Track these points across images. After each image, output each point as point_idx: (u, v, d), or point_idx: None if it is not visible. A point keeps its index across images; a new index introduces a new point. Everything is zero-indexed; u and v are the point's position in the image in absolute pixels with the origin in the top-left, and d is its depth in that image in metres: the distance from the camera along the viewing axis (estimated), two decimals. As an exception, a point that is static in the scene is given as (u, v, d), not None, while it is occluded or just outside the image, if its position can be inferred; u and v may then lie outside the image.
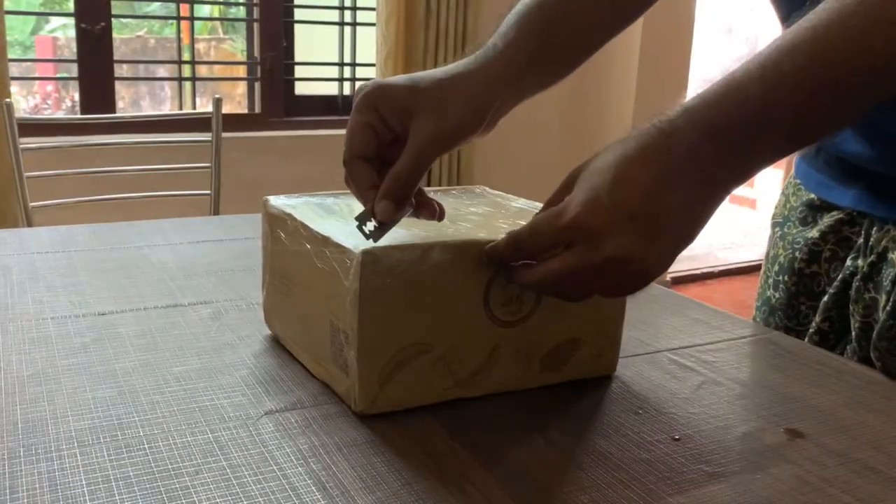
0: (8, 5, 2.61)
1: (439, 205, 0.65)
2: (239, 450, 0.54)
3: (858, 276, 0.79)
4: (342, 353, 0.60)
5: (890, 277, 0.75)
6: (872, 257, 0.77)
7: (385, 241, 0.59)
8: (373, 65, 3.07)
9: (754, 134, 0.52)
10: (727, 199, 0.57)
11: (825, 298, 0.83)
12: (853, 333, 0.80)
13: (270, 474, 0.51)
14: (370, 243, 0.58)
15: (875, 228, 0.77)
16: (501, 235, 0.61)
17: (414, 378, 0.60)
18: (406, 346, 0.59)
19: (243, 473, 0.51)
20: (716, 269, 4.13)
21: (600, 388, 0.67)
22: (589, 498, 0.50)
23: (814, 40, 0.51)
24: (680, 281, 3.92)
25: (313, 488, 0.50)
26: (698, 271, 4.08)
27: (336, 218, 0.66)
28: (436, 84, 0.62)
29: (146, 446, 0.54)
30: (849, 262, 0.80)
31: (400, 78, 0.63)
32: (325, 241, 0.61)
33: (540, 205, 0.64)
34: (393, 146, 0.62)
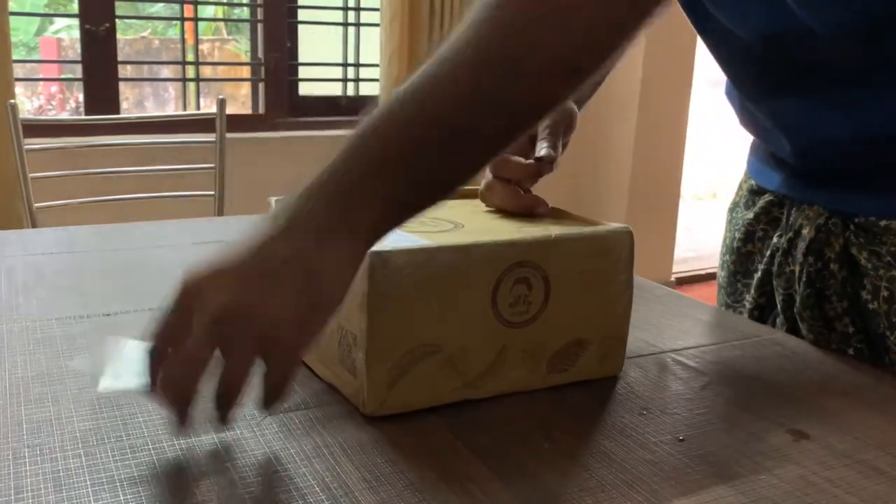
0: (12, 6, 2.61)
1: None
2: (243, 450, 0.54)
3: (779, 252, 0.84)
4: (350, 355, 0.60)
5: (801, 250, 0.80)
6: (790, 234, 0.82)
7: (392, 243, 0.59)
8: (377, 65, 3.08)
9: (364, 178, 0.53)
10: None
11: (758, 274, 0.88)
12: (779, 306, 0.85)
13: (275, 475, 0.52)
14: (378, 245, 0.58)
15: (794, 209, 0.83)
16: (506, 237, 0.61)
17: (422, 379, 0.60)
18: (414, 348, 0.59)
19: (247, 474, 0.51)
20: (720, 270, 4.12)
21: (604, 388, 0.67)
22: (593, 499, 0.50)
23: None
24: (684, 282, 3.92)
25: (317, 489, 0.50)
26: (703, 272, 4.08)
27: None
28: None
29: (150, 447, 0.54)
30: (774, 240, 0.86)
31: None
32: None
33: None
34: None
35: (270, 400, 0.53)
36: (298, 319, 0.51)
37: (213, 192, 2.32)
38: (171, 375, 0.51)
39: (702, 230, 5.02)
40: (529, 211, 0.73)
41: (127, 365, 0.57)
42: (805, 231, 0.80)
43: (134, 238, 1.06)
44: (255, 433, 0.57)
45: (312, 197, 0.53)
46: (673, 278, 3.79)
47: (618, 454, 0.56)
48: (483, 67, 0.54)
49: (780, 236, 0.85)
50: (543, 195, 0.74)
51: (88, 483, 0.49)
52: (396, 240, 0.61)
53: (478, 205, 0.77)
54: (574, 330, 0.65)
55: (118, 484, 0.50)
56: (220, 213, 2.33)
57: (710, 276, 4.07)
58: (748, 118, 0.85)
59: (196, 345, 0.50)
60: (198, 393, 0.51)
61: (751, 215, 0.89)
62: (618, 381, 0.68)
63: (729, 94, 0.87)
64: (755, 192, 0.90)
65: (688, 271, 4.00)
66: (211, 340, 0.50)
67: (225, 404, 0.52)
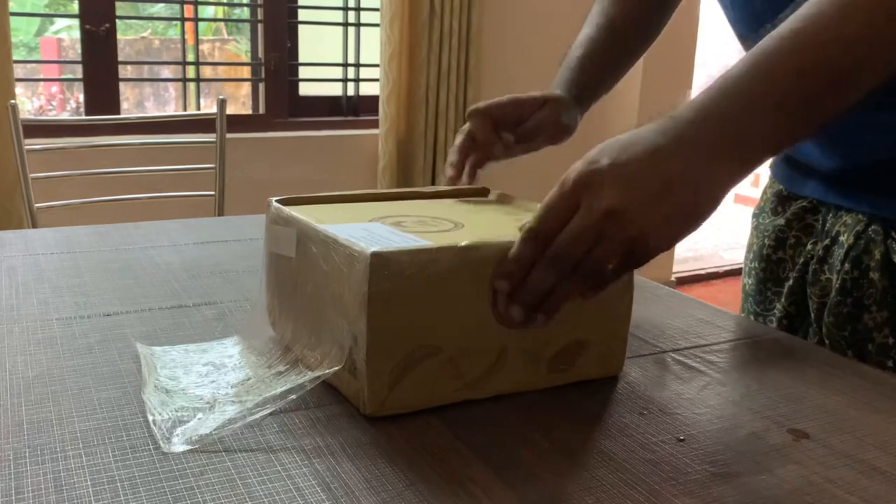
0: (13, 7, 2.61)
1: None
2: (243, 450, 0.54)
3: (814, 260, 0.83)
4: (351, 356, 0.60)
5: (839, 258, 0.79)
6: (826, 241, 0.81)
7: (393, 244, 0.59)
8: (377, 65, 3.08)
9: (754, 111, 0.56)
10: (731, 196, 0.58)
11: (789, 283, 0.87)
12: (812, 315, 0.84)
13: (275, 475, 0.52)
14: (379, 245, 0.58)
15: (830, 215, 0.82)
16: (507, 237, 0.61)
17: (423, 380, 0.60)
18: (415, 349, 0.59)
19: (248, 474, 0.51)
20: (721, 270, 4.12)
21: (605, 388, 0.67)
22: (594, 499, 0.50)
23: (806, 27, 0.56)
24: (685, 281, 3.92)
25: (318, 489, 0.50)
26: (703, 272, 4.08)
27: (342, 219, 0.66)
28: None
29: (151, 447, 0.54)
30: (808, 247, 0.85)
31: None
32: (333, 242, 0.61)
33: None
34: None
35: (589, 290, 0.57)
36: (673, 232, 0.55)
37: (213, 192, 2.32)
38: (555, 251, 0.56)
39: (702, 230, 5.02)
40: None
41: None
42: (843, 238, 0.78)
43: (134, 238, 1.06)
44: (254, 433, 0.57)
45: (701, 119, 0.56)
46: (673, 278, 3.79)
47: (618, 454, 0.56)
48: (878, 8, 0.55)
49: (815, 244, 0.82)
50: (544, 195, 0.74)
51: (89, 483, 0.50)
52: (397, 240, 0.61)
53: (478, 204, 0.77)
54: (574, 330, 0.65)
55: (118, 484, 0.50)
56: (221, 213, 2.33)
57: (711, 276, 4.07)
58: None
59: (581, 229, 0.55)
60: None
61: (781, 221, 0.87)
62: (618, 381, 0.68)
63: None
64: (785, 198, 0.88)
65: (688, 271, 4.00)
66: (594, 231, 0.54)
67: (554, 301, 0.57)
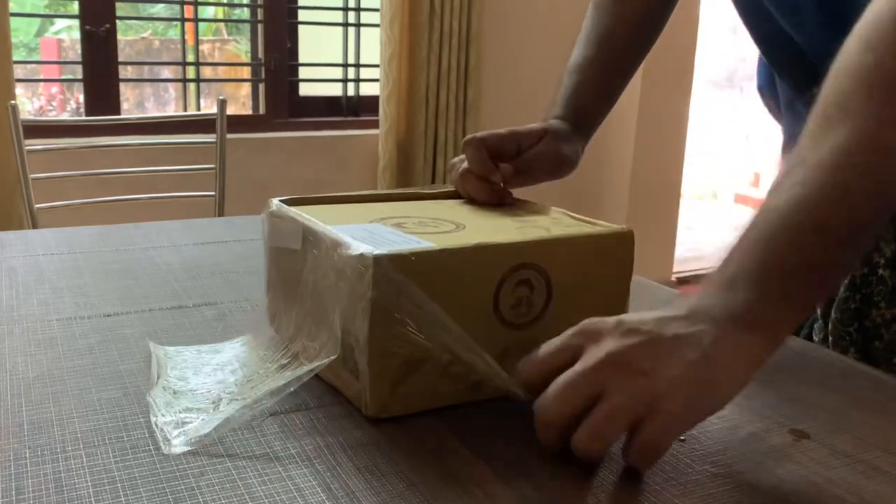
0: (13, 7, 2.61)
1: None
2: (244, 451, 0.54)
3: None
4: (352, 358, 0.59)
5: None
6: None
7: (394, 245, 0.59)
8: (377, 66, 3.08)
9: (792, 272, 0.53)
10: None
11: None
12: (818, 311, 0.83)
13: (275, 475, 0.52)
14: (381, 247, 0.58)
15: None
16: (509, 238, 0.61)
17: (425, 382, 0.60)
18: (417, 351, 0.59)
19: (248, 475, 0.51)
20: (721, 270, 4.11)
21: (605, 388, 0.67)
22: (595, 499, 0.50)
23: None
24: (686, 281, 3.91)
25: (318, 489, 0.50)
26: (703, 272, 4.07)
27: (343, 220, 0.66)
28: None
29: (151, 448, 0.54)
30: None
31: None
32: (335, 244, 0.60)
33: (545, 205, 0.64)
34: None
35: (635, 460, 0.52)
36: (685, 395, 0.51)
37: (213, 193, 2.32)
38: (555, 393, 0.52)
39: (702, 230, 5.03)
40: (498, 202, 0.78)
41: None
42: None
43: (134, 239, 1.06)
44: (255, 433, 0.57)
45: (711, 295, 0.54)
46: (673, 278, 3.79)
47: (618, 454, 0.56)
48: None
49: None
50: (544, 195, 0.74)
51: (90, 484, 0.50)
52: (399, 242, 0.61)
53: (478, 205, 0.77)
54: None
55: (119, 485, 0.50)
56: (221, 213, 2.33)
57: (711, 276, 4.06)
58: (794, 118, 0.82)
59: (583, 372, 0.51)
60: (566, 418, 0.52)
61: None
62: (618, 382, 0.68)
63: (767, 91, 0.85)
64: None
65: (688, 271, 4.00)
66: (595, 377, 0.51)
67: (583, 447, 0.51)
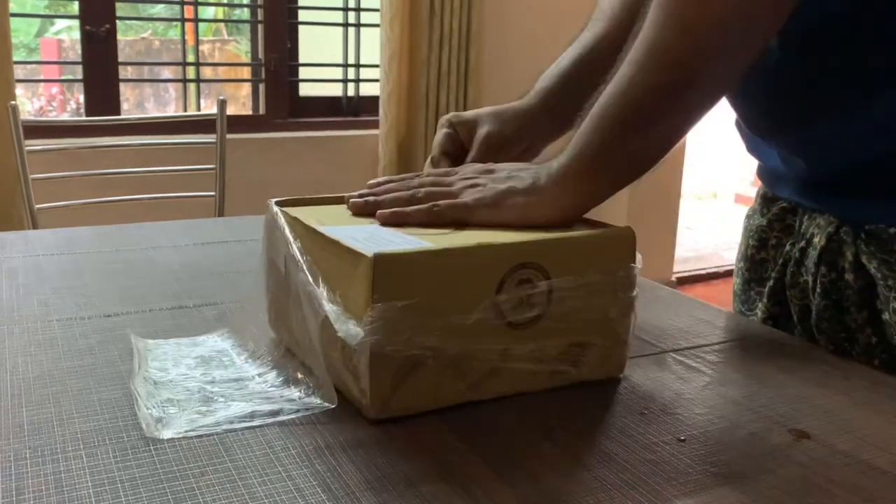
0: (13, 7, 2.61)
1: None
2: (244, 451, 0.54)
3: (792, 263, 0.83)
4: (353, 359, 0.59)
5: (813, 260, 0.79)
6: (802, 243, 0.81)
7: (395, 246, 0.59)
8: (377, 66, 3.08)
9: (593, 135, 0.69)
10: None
11: (770, 283, 0.87)
12: (795, 317, 0.84)
13: (276, 475, 0.52)
14: (381, 247, 0.58)
15: (806, 217, 0.82)
16: (509, 238, 0.61)
17: (426, 382, 0.60)
18: (417, 352, 0.59)
19: (248, 475, 0.51)
20: (721, 270, 4.12)
21: (606, 389, 0.67)
22: (594, 499, 0.50)
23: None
24: (685, 281, 3.92)
25: (318, 489, 0.50)
26: (703, 272, 4.08)
27: (343, 221, 0.66)
28: (494, 110, 0.88)
29: (151, 448, 0.54)
30: (787, 248, 0.85)
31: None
32: (335, 244, 0.60)
33: None
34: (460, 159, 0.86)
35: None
36: (495, 196, 0.68)
37: (213, 193, 2.32)
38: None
39: (702, 230, 5.03)
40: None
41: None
42: (816, 240, 0.78)
43: (134, 238, 1.06)
44: (255, 433, 0.57)
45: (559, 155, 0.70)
46: (673, 278, 3.79)
47: (619, 454, 0.56)
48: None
49: (793, 245, 0.83)
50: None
51: (90, 484, 0.50)
52: (399, 242, 0.61)
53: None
54: (576, 331, 0.65)
55: (119, 485, 0.50)
56: (221, 213, 2.33)
57: (711, 276, 4.07)
58: (756, 148, 0.86)
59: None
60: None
61: (764, 222, 0.88)
62: (619, 382, 0.68)
63: (739, 126, 0.87)
64: (769, 200, 0.89)
65: (688, 271, 4.00)
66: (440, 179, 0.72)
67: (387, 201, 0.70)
